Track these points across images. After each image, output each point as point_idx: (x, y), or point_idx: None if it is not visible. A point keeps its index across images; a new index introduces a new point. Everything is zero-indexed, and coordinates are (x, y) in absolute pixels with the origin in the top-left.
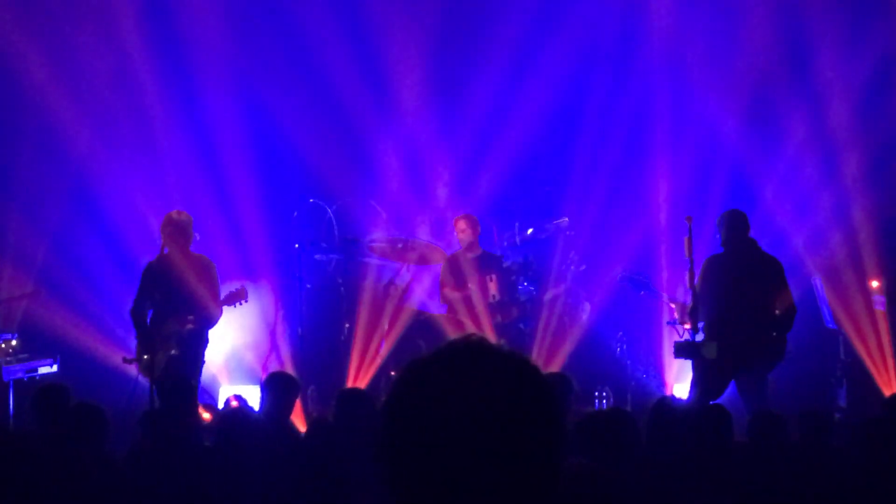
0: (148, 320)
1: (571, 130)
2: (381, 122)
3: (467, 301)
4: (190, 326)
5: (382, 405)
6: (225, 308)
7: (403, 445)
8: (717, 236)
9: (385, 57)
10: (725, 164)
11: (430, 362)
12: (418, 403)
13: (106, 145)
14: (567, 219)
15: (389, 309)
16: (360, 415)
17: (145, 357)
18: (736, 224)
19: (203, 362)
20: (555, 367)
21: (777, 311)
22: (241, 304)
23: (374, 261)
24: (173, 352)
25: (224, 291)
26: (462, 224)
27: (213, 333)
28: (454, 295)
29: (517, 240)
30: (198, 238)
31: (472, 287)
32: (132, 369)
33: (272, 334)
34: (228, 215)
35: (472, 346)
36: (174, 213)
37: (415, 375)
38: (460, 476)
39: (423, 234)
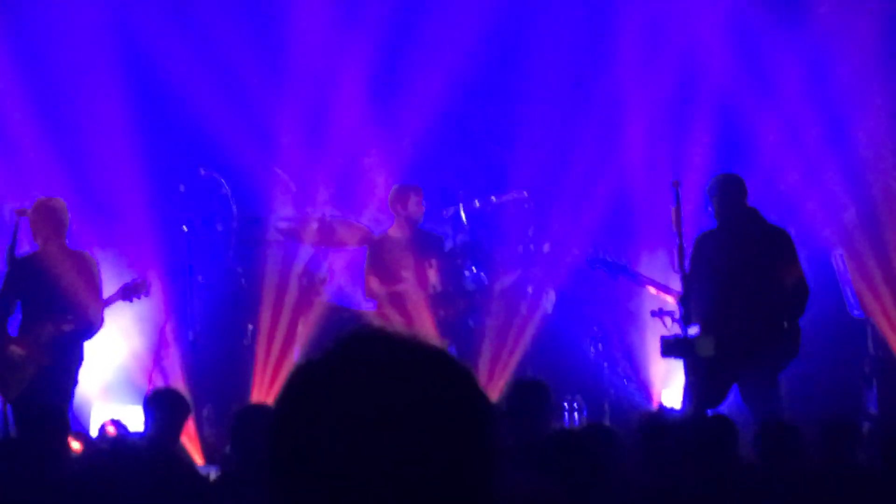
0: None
1: (523, 70)
2: (286, 71)
3: (400, 295)
4: (70, 327)
5: (270, 419)
6: (120, 303)
7: (294, 466)
8: (709, 208)
9: None
10: (716, 113)
11: (321, 363)
12: (308, 414)
13: None
14: (526, 192)
15: (304, 305)
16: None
17: (4, 367)
18: (730, 190)
19: (76, 381)
20: (510, 371)
21: (786, 295)
22: (139, 298)
23: (282, 245)
24: (45, 363)
25: (113, 286)
26: (417, 197)
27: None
28: (382, 291)
29: (462, 215)
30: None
31: (407, 275)
32: None
33: (157, 340)
34: (96, 190)
35: (372, 339)
36: (44, 200)
37: (303, 380)
38: (366, 499)
39: (345, 211)
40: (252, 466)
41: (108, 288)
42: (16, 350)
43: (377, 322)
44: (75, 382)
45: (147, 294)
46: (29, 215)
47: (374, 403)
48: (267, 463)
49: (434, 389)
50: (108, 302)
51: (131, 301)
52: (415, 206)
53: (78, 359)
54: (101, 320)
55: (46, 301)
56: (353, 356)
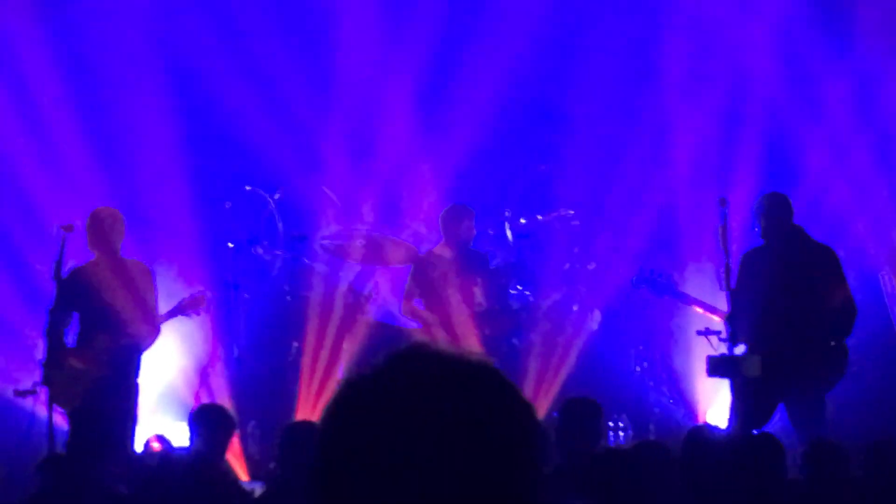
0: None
1: (570, 89)
2: (332, 88)
3: (445, 313)
4: (126, 339)
5: (317, 434)
6: (176, 318)
7: (340, 482)
8: (756, 226)
9: (334, 12)
10: (764, 130)
11: (369, 378)
12: (355, 429)
13: None
14: (572, 211)
15: (349, 322)
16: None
17: (62, 379)
18: (777, 209)
19: (137, 391)
20: (554, 389)
21: (833, 314)
22: (198, 314)
23: (328, 262)
24: (103, 374)
25: (170, 300)
26: (469, 221)
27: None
28: (422, 315)
29: (508, 233)
30: None
31: (452, 293)
32: (26, 404)
33: (203, 356)
34: (142, 206)
35: (419, 355)
36: (100, 210)
37: (350, 396)
38: None
39: (391, 228)
40: (297, 482)
41: (162, 304)
42: (74, 362)
43: (423, 339)
44: (136, 391)
45: (207, 310)
46: (86, 226)
47: (422, 419)
48: (313, 478)
49: (482, 405)
50: (166, 317)
51: (189, 316)
52: (466, 229)
53: (135, 369)
54: (157, 330)
55: (100, 312)
56: (400, 372)
